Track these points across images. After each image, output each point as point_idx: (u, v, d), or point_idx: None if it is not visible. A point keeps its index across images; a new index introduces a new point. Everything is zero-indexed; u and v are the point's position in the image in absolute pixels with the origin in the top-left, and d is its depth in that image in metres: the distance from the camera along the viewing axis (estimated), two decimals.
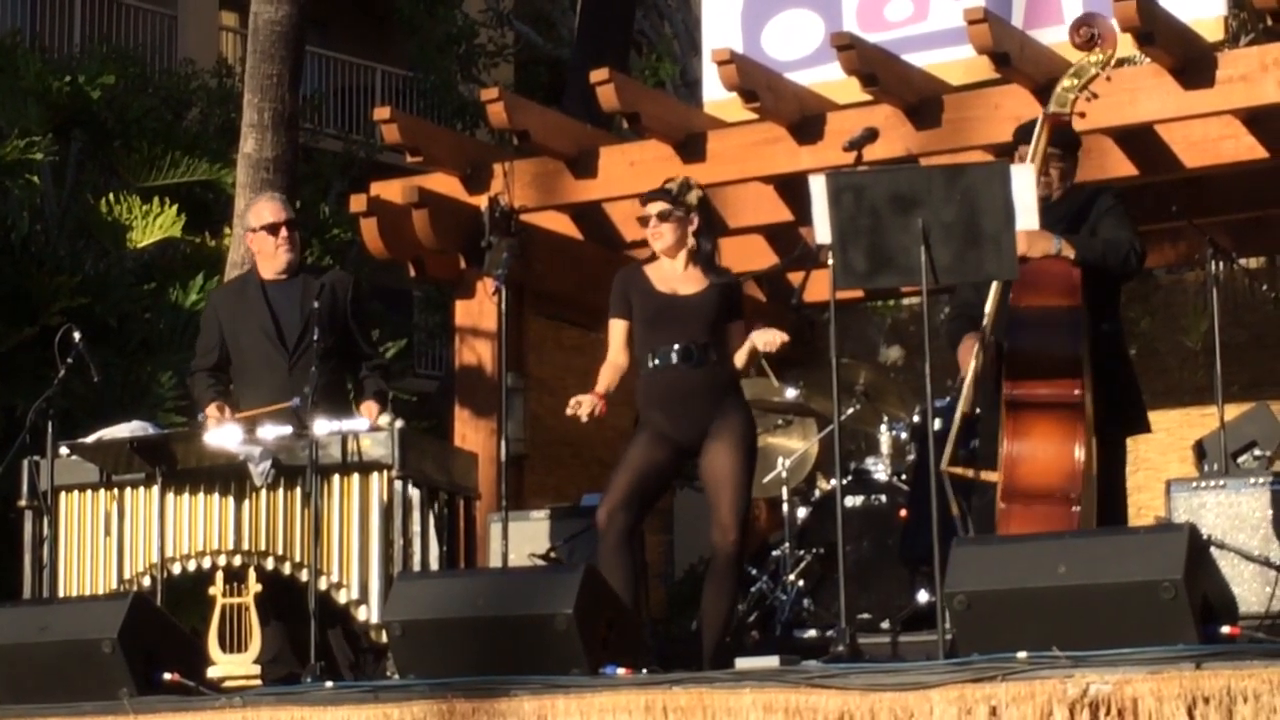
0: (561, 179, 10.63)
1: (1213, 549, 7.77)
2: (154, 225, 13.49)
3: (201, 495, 8.09)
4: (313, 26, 14.77)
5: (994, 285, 7.35)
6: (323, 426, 7.83)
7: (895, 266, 6.93)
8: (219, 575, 8.03)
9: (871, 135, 7.91)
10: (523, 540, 9.35)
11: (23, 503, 8.28)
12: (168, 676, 7.13)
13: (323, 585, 7.79)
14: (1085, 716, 5.51)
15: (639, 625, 7.49)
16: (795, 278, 10.04)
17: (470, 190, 10.75)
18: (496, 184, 10.58)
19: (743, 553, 7.71)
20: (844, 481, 8.73)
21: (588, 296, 10.77)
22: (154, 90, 18.32)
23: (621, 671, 6.50)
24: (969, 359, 7.43)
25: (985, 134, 9.51)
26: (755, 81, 9.85)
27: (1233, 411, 9.77)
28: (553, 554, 9.38)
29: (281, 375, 8.23)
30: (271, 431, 7.97)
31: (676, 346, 7.64)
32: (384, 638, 7.27)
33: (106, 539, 8.17)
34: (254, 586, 7.97)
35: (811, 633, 9.43)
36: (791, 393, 10.18)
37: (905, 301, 13.54)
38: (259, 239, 8.52)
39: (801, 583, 9.65)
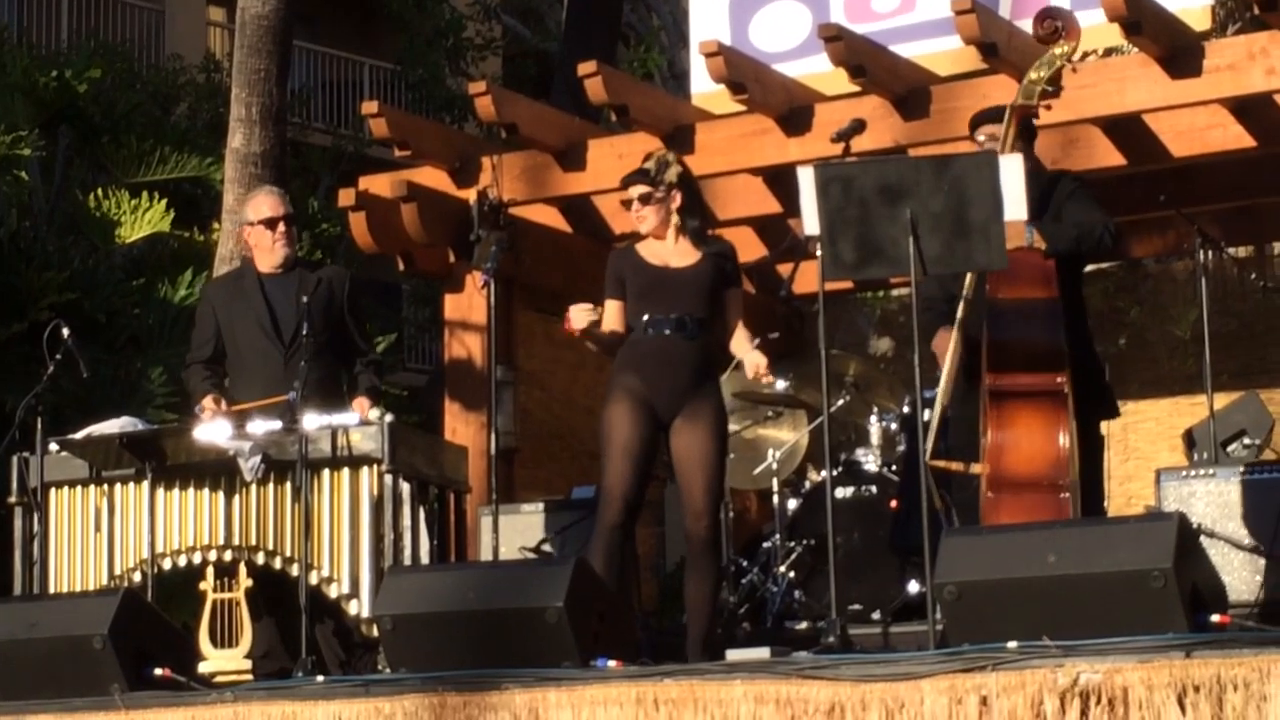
0: (550, 172, 10.62)
1: (1202, 538, 7.78)
2: (142, 220, 13.49)
3: (191, 491, 8.08)
4: (300, 21, 14.74)
5: (968, 277, 7.36)
6: (312, 421, 7.83)
7: (884, 257, 6.93)
8: (209, 570, 8.03)
9: (859, 126, 7.91)
10: (513, 533, 9.34)
11: (12, 499, 8.28)
12: (159, 672, 7.13)
13: (313, 580, 7.79)
14: (1076, 706, 5.51)
15: (630, 618, 7.50)
16: (784, 269, 10.08)
17: (459, 184, 10.74)
18: (485, 177, 10.57)
19: (718, 538, 7.69)
20: (834, 473, 8.75)
21: (577, 289, 10.71)
22: (142, 85, 18.31)
23: (612, 664, 6.51)
24: (945, 350, 7.44)
25: None
26: (743, 73, 9.85)
27: (1222, 400, 9.78)
28: (543, 547, 9.38)
29: (276, 368, 8.23)
30: (261, 426, 7.97)
31: (673, 316, 7.62)
32: (375, 632, 7.27)
33: (96, 535, 8.16)
34: (244, 582, 7.97)
35: (802, 624, 9.42)
36: (781, 384, 10.16)
37: (894, 293, 13.54)
38: (256, 233, 8.52)
39: (792, 574, 9.65)
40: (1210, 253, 9.85)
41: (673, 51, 21.46)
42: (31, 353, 10.26)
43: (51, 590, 8.13)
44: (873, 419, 10.08)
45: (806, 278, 8.47)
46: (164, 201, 13.60)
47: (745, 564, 9.89)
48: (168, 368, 11.91)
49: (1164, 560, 5.83)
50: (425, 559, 7.95)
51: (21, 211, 12.89)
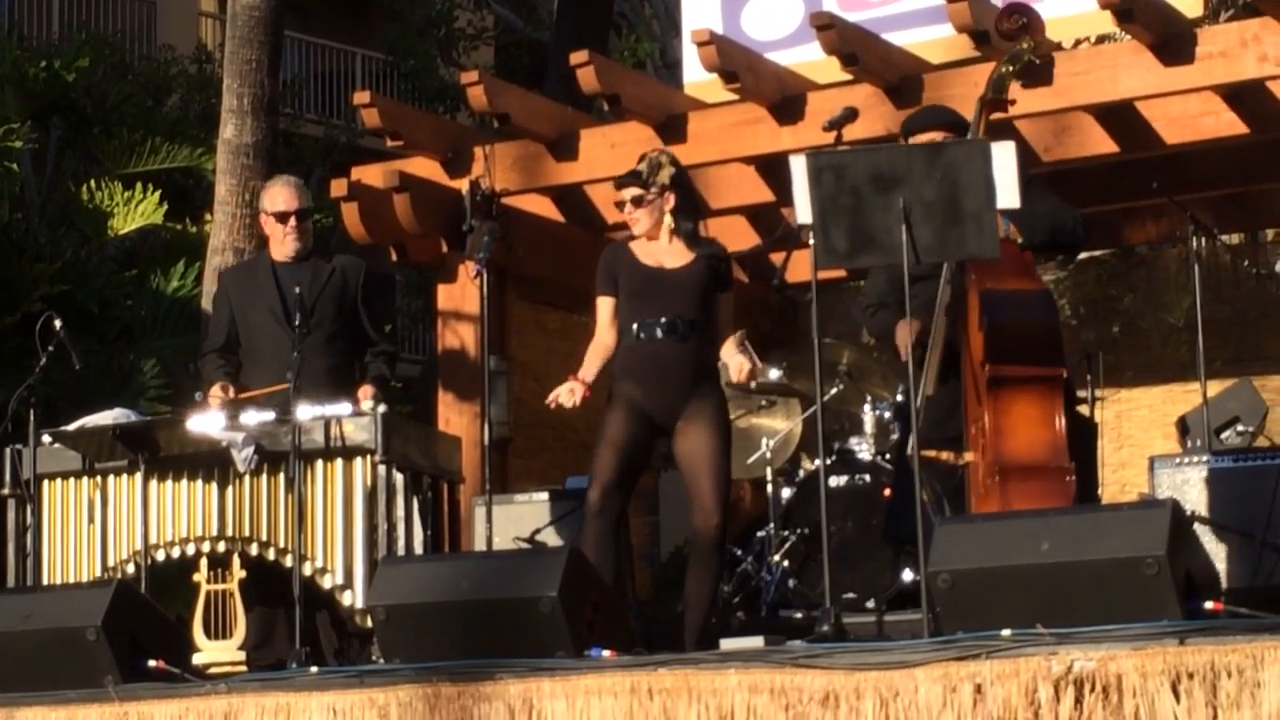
0: (542, 162, 10.61)
1: (1196, 525, 7.78)
2: (135, 212, 13.48)
3: (185, 482, 8.09)
4: (291, 11, 14.74)
5: (944, 270, 7.36)
6: (305, 412, 7.83)
7: (877, 246, 6.93)
8: (203, 562, 8.04)
9: (852, 115, 7.90)
10: (507, 524, 9.34)
11: (5, 491, 8.28)
12: (153, 663, 7.13)
13: (307, 571, 7.79)
14: (1070, 694, 5.51)
15: (624, 607, 7.49)
16: (777, 258, 10.08)
17: (451, 174, 10.73)
18: (477, 167, 10.57)
19: (725, 536, 7.71)
20: (828, 462, 8.74)
21: (570, 279, 10.76)
22: (133, 77, 18.29)
23: (606, 654, 6.50)
24: (907, 343, 7.43)
25: (965, 112, 9.39)
26: (735, 62, 9.84)
27: (1216, 387, 9.79)
28: (544, 536, 9.37)
29: (288, 356, 8.21)
30: (254, 417, 7.97)
31: (663, 319, 7.62)
32: (369, 622, 7.27)
33: (90, 527, 8.16)
34: (238, 573, 7.98)
35: (797, 613, 9.42)
36: (774, 373, 10.17)
37: None
38: (269, 223, 8.59)
39: (786, 563, 9.65)
40: (1203, 240, 9.86)
41: (665, 40, 21.46)
42: (24, 344, 10.27)
43: (45, 582, 8.13)
44: (866, 408, 10.08)
45: (799, 266, 8.47)
46: (156, 193, 13.59)
47: (739, 553, 9.89)
48: (160, 359, 11.92)
49: (1158, 547, 5.82)
50: (419, 549, 7.95)
51: (13, 203, 12.88)
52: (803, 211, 6.98)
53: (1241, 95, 9.51)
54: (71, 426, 8.21)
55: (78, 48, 15.85)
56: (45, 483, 8.24)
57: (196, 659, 7.69)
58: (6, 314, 11.62)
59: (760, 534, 9.90)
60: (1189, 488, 8.54)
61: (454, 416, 10.59)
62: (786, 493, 9.97)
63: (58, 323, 8.37)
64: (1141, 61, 9.33)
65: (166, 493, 8.11)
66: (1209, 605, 5.86)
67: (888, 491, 9.42)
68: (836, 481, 9.65)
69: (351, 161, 12.38)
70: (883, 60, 9.76)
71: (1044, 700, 5.53)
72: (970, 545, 6.16)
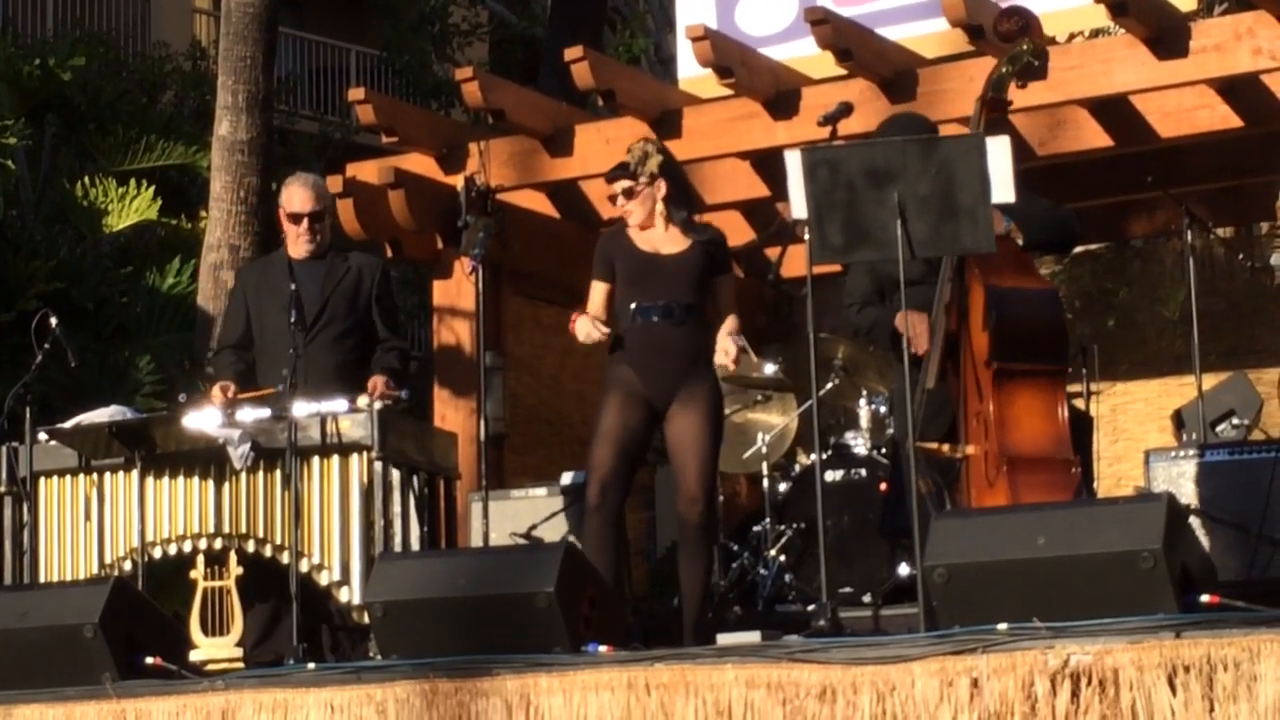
0: (537, 157, 10.61)
1: (1192, 518, 7.79)
2: (130, 209, 13.46)
3: (181, 479, 8.08)
4: (286, 8, 14.76)
5: (943, 265, 7.38)
6: (302, 408, 7.83)
7: (872, 240, 6.93)
8: (200, 559, 8.03)
9: (846, 109, 7.91)
10: (503, 519, 9.35)
11: (1, 489, 8.27)
12: (150, 660, 7.12)
13: (304, 567, 7.80)
14: (1066, 687, 5.52)
15: (621, 603, 7.50)
16: (772, 253, 10.10)
17: (446, 170, 10.73)
18: (472, 163, 10.56)
19: (711, 522, 7.70)
20: (824, 456, 8.77)
21: (565, 275, 10.75)
22: (128, 73, 18.25)
23: (603, 649, 6.51)
24: (921, 330, 7.45)
25: (960, 107, 9.48)
26: (730, 57, 9.85)
27: (1211, 381, 9.79)
28: (533, 532, 9.38)
29: (298, 349, 8.21)
30: (250, 414, 7.97)
31: (660, 303, 7.63)
32: (365, 619, 7.27)
33: (86, 524, 8.16)
34: (235, 570, 7.97)
35: (793, 607, 9.43)
36: (770, 368, 10.18)
37: None
38: (285, 221, 8.58)
39: (783, 558, 9.66)
40: (1198, 233, 9.86)
41: (659, 36, 21.48)
42: (19, 342, 10.26)
43: (42, 579, 8.13)
44: (862, 402, 10.09)
45: (794, 261, 8.50)
46: (151, 189, 13.57)
47: (736, 548, 9.89)
48: (156, 356, 11.91)
49: (1153, 541, 5.83)
50: (415, 545, 7.95)
51: (8, 201, 12.85)
52: (798, 206, 6.99)
53: (1236, 88, 9.52)
54: (68, 424, 8.20)
55: (72, 45, 15.82)
56: (42, 480, 8.24)
57: (194, 656, 7.69)
58: (2, 312, 11.61)
59: (756, 529, 9.90)
60: (1184, 481, 8.55)
61: (450, 412, 10.59)
62: (783, 487, 9.97)
63: (53, 320, 8.36)
64: (1136, 55, 9.34)
65: (163, 490, 8.11)
66: (1205, 598, 5.86)
67: (883, 486, 9.43)
68: (832, 476, 9.65)
69: (346, 158, 12.38)
70: (877, 55, 9.77)
71: (1041, 694, 5.54)
72: (966, 539, 6.16)
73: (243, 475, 7.97)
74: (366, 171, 10.70)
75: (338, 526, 7.89)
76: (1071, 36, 11.29)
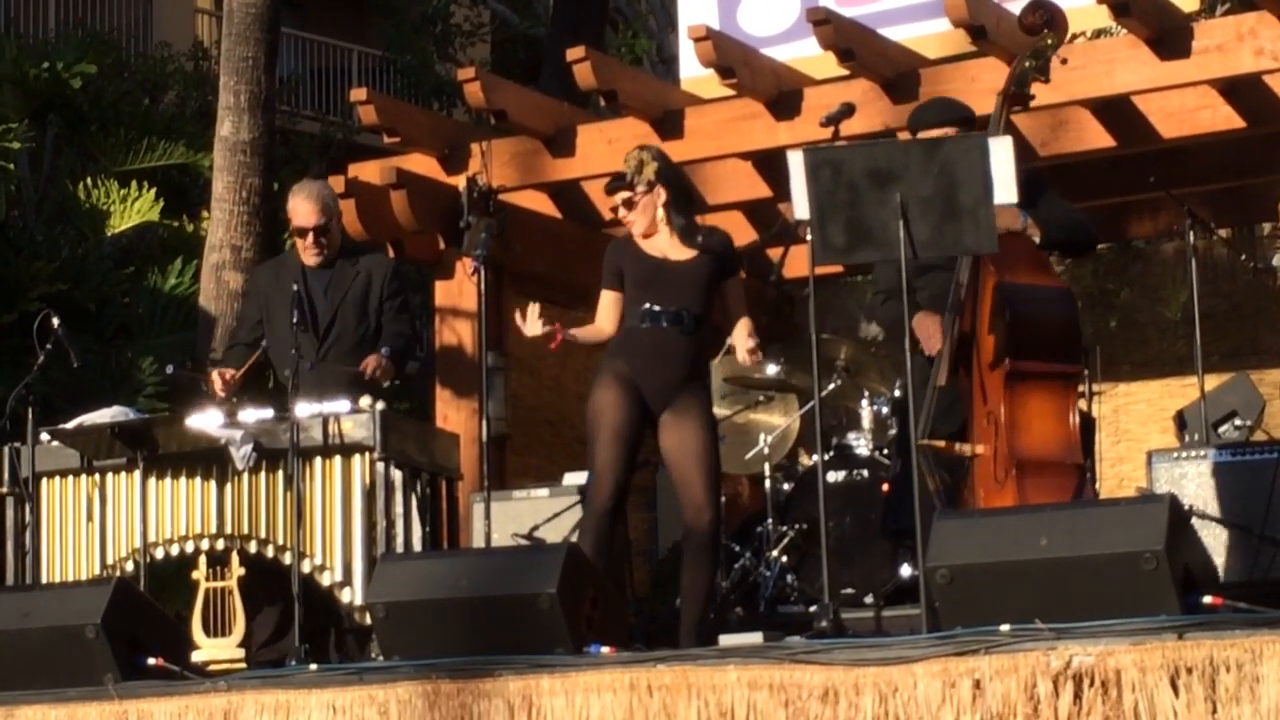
0: (539, 158, 10.61)
1: (1194, 519, 7.79)
2: (131, 210, 13.46)
3: (183, 479, 8.09)
4: (288, 8, 14.75)
5: (959, 263, 7.37)
6: (304, 409, 7.84)
7: (874, 241, 6.93)
8: (202, 559, 8.03)
9: (849, 110, 7.90)
10: (505, 520, 9.35)
11: (4, 490, 8.28)
12: (152, 661, 7.12)
13: (306, 568, 7.80)
14: (1069, 689, 5.52)
15: (622, 603, 7.50)
16: (774, 254, 10.07)
17: (448, 170, 10.73)
18: (474, 164, 10.56)
19: (719, 530, 7.70)
20: (826, 457, 8.76)
21: (567, 275, 10.76)
22: (130, 74, 18.26)
23: (605, 650, 6.50)
24: (931, 333, 7.45)
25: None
26: (732, 58, 9.84)
27: (1213, 382, 9.78)
28: (535, 533, 9.38)
29: (311, 361, 8.21)
30: (252, 415, 7.97)
31: (673, 309, 7.61)
32: (368, 619, 7.27)
33: (88, 525, 8.17)
34: (237, 570, 7.97)
35: (795, 608, 9.43)
36: (772, 369, 10.18)
37: None
38: (293, 231, 8.57)
39: (785, 559, 9.66)
40: (1200, 234, 9.86)
41: (661, 36, 21.47)
42: (21, 343, 10.25)
43: (44, 580, 8.13)
44: (864, 403, 10.09)
45: (797, 262, 8.49)
46: (153, 190, 13.57)
47: (738, 549, 9.89)
48: (158, 357, 11.89)
49: (1156, 542, 5.82)
50: (417, 546, 7.95)
51: (10, 202, 12.85)
52: (800, 207, 6.98)
53: (1238, 89, 9.52)
54: (70, 425, 8.21)
55: (77, 48, 15.82)
56: (44, 481, 8.25)
57: (196, 656, 7.69)
58: (4, 313, 11.60)
59: (758, 529, 9.90)
60: (1187, 482, 8.55)
61: (452, 413, 10.59)
62: (784, 488, 9.97)
63: (55, 321, 8.37)
64: (1138, 56, 9.34)
65: (165, 490, 8.11)
66: (1207, 600, 5.86)
67: (886, 486, 9.43)
68: (834, 477, 9.65)
69: (348, 158, 12.39)
70: (879, 55, 9.77)
71: (1043, 695, 5.54)
72: (969, 540, 6.16)
73: (245, 476, 7.98)
74: (368, 172, 10.70)
75: (339, 527, 7.89)
76: (1074, 37, 11.27)
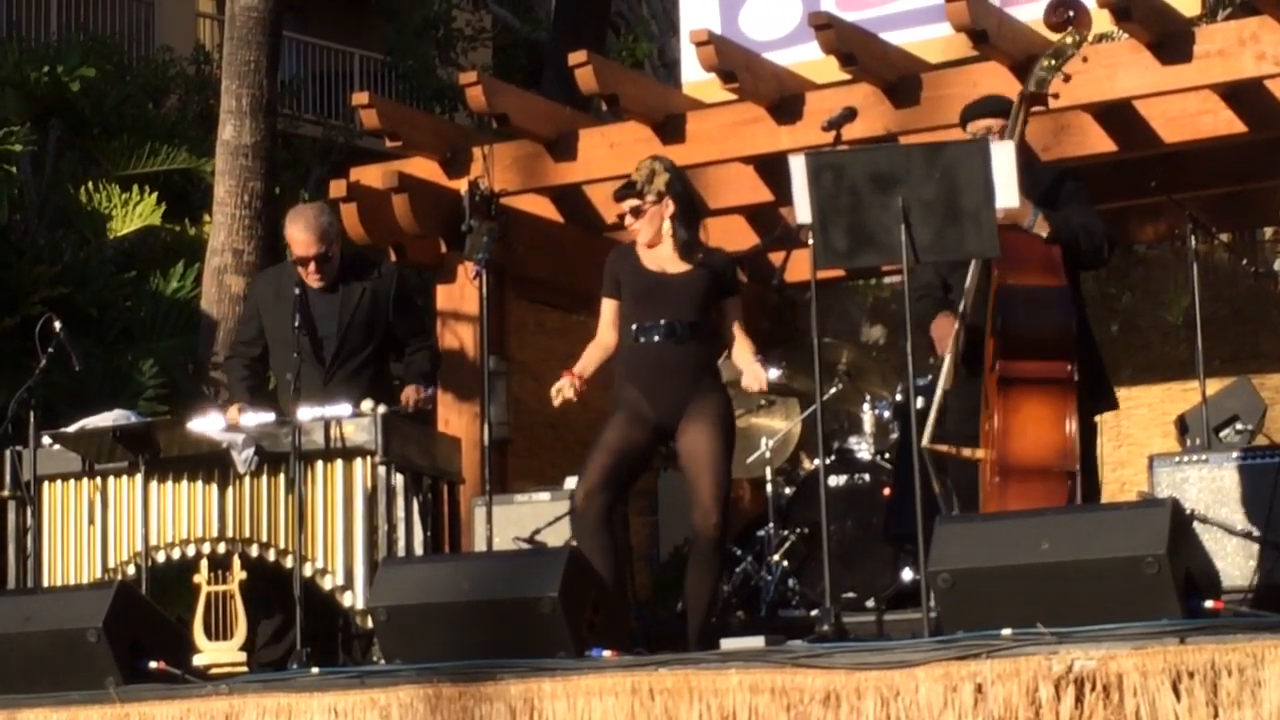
0: (541, 162, 10.61)
1: (1196, 524, 7.78)
2: (133, 213, 13.48)
3: (185, 483, 8.09)
4: (290, 12, 14.74)
5: (972, 264, 7.36)
6: (305, 413, 7.84)
7: (876, 245, 6.93)
8: (203, 563, 8.04)
9: (850, 114, 7.90)
10: (507, 524, 9.34)
11: (5, 493, 8.28)
12: (153, 665, 7.13)
13: (307, 572, 7.80)
14: (1070, 693, 5.52)
15: (624, 607, 7.50)
16: (776, 258, 10.06)
17: (450, 174, 10.73)
18: (476, 168, 10.56)
19: (725, 535, 7.70)
20: (827, 461, 8.74)
21: (569, 279, 10.77)
22: (132, 78, 18.28)
23: (607, 654, 6.51)
24: (946, 336, 7.45)
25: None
26: (734, 62, 9.84)
27: (1214, 386, 9.78)
28: (537, 537, 9.38)
29: (316, 387, 8.18)
30: (254, 418, 7.97)
31: (662, 323, 7.62)
32: (369, 623, 7.27)
33: (90, 528, 8.17)
34: (238, 574, 7.98)
35: (797, 612, 9.43)
36: (774, 373, 10.14)
37: (886, 280, 13.55)
38: (294, 260, 8.50)
39: (786, 563, 9.65)
40: (1201, 238, 9.86)
41: (663, 40, 21.46)
42: (23, 347, 10.26)
43: (45, 584, 8.13)
44: (865, 407, 10.09)
45: (798, 266, 8.48)
46: (154, 194, 13.58)
47: (739, 552, 9.89)
48: (159, 360, 11.91)
49: (1157, 546, 5.83)
50: (419, 550, 7.95)
51: (12, 206, 12.86)
52: (802, 211, 6.98)
53: (1239, 94, 9.51)
54: (71, 428, 8.21)
55: (78, 51, 15.84)
56: (45, 484, 8.24)
57: (197, 660, 7.70)
58: (6, 316, 11.61)
59: (760, 533, 9.90)
60: (1188, 486, 8.55)
61: (453, 417, 10.59)
62: (786, 492, 9.97)
63: (57, 324, 8.37)
64: (1139, 60, 9.33)
65: (167, 494, 8.12)
66: (1209, 604, 5.86)
67: (887, 491, 9.43)
68: (836, 481, 9.66)
69: (350, 162, 12.39)
70: (881, 60, 9.77)
71: (1045, 699, 5.54)
72: (971, 544, 6.16)
73: (246, 479, 7.98)
74: (370, 176, 10.70)
75: (341, 531, 7.89)
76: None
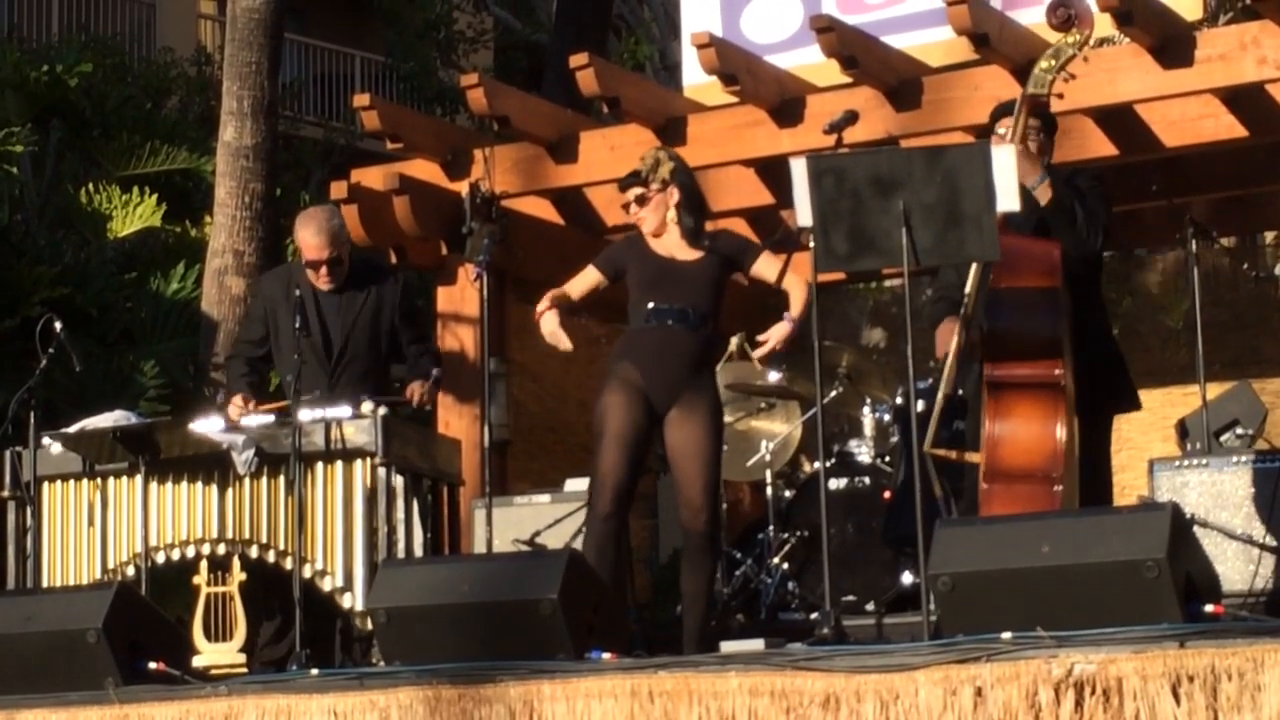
0: (542, 164, 10.62)
1: (1196, 528, 7.78)
2: (134, 214, 13.48)
3: (185, 484, 8.09)
4: (291, 14, 14.76)
5: (973, 267, 7.35)
6: (306, 414, 7.84)
7: (877, 249, 6.93)
8: (203, 564, 8.03)
9: (852, 118, 7.90)
10: (507, 526, 9.35)
11: (5, 493, 8.28)
12: (153, 666, 7.13)
13: (307, 573, 7.79)
14: (1070, 696, 5.52)
15: (624, 610, 7.49)
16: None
17: (451, 176, 10.73)
18: (477, 170, 10.56)
19: (715, 531, 7.69)
20: (827, 464, 8.73)
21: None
22: (133, 79, 18.28)
23: (607, 656, 6.51)
24: (948, 340, 7.44)
25: (965, 115, 9.51)
26: (735, 65, 9.85)
27: (1214, 390, 9.78)
28: (537, 539, 9.38)
29: (322, 389, 8.18)
30: (254, 420, 7.97)
31: (678, 307, 7.60)
32: (369, 625, 7.27)
33: (90, 529, 8.17)
34: (238, 575, 7.97)
35: (797, 615, 9.43)
36: (774, 376, 10.18)
37: (887, 284, 13.56)
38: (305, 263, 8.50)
39: (786, 566, 9.65)
40: (1202, 243, 9.86)
41: (664, 43, 21.48)
42: (24, 347, 10.26)
43: (45, 584, 8.13)
44: (866, 410, 10.08)
45: (799, 269, 8.45)
46: (155, 195, 13.58)
47: (739, 555, 9.88)
48: (160, 361, 11.91)
49: (1158, 550, 5.83)
50: (419, 552, 7.95)
51: (13, 206, 12.86)
52: (803, 214, 6.98)
53: (1241, 98, 9.52)
54: (72, 429, 8.21)
55: (78, 51, 15.84)
56: (45, 485, 8.24)
57: (196, 661, 7.69)
58: (6, 317, 11.60)
59: (760, 536, 9.90)
60: (1188, 490, 8.56)
61: (453, 419, 10.60)
62: (786, 495, 9.97)
63: (58, 325, 8.36)
64: (1141, 64, 9.34)
65: (166, 495, 8.11)
66: (1209, 608, 5.86)
67: (887, 494, 9.43)
68: (836, 484, 9.65)
69: (351, 164, 12.38)
70: (882, 63, 9.77)
71: (1044, 703, 5.54)
72: (970, 548, 6.16)
73: (246, 480, 7.98)
74: (371, 178, 10.70)
75: (341, 532, 7.89)
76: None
